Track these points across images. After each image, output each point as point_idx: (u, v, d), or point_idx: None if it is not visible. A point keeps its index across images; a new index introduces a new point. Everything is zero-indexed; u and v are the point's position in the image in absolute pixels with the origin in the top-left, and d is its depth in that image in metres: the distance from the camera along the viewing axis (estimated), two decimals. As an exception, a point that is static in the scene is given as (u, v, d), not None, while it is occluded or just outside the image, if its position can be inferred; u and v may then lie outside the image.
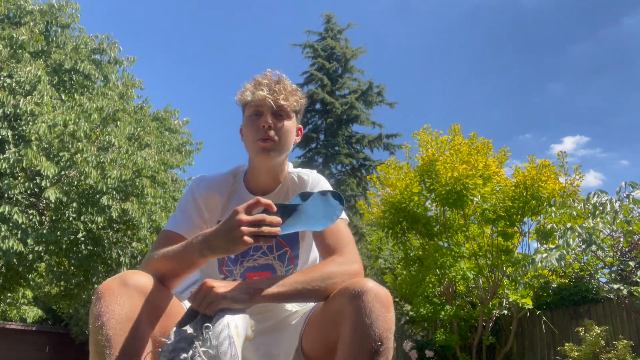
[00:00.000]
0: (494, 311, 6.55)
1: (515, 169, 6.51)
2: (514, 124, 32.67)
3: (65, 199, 7.46)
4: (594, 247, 4.20)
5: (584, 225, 4.32)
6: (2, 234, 6.96)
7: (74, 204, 7.58)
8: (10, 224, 7.13)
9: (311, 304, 1.38)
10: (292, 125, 1.40)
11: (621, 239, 5.81)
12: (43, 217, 7.97)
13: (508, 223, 6.47)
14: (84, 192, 7.71)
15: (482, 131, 31.55)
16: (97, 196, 7.61)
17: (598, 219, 4.25)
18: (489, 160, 6.54)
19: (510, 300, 6.33)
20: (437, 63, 32.02)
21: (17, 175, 7.47)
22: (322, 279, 1.16)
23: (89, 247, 8.55)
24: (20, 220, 7.13)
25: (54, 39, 8.67)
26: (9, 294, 11.55)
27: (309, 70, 19.87)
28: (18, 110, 7.22)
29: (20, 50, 7.81)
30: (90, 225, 8.19)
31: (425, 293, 6.98)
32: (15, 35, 7.76)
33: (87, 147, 7.41)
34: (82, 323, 15.85)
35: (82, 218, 8.00)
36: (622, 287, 4.57)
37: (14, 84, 7.49)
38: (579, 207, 4.45)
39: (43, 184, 7.23)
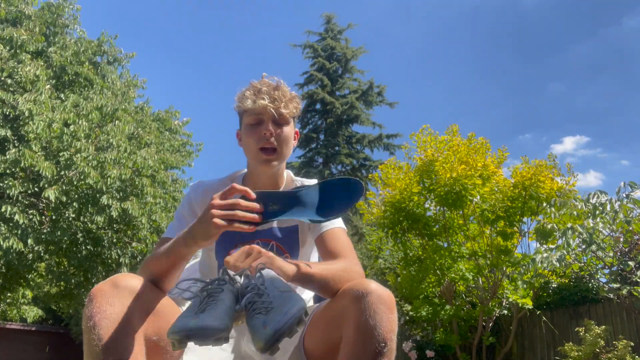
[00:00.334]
0: (494, 311, 6.55)
1: (514, 170, 6.52)
2: (514, 124, 32.69)
3: (65, 198, 7.46)
4: (594, 247, 4.20)
5: (584, 225, 4.31)
6: (3, 233, 6.96)
7: (74, 204, 7.58)
8: (11, 224, 7.13)
9: (313, 304, 1.39)
10: (290, 131, 1.43)
11: (621, 239, 5.82)
12: (43, 217, 7.97)
13: (507, 223, 6.47)
14: (83, 191, 7.71)
15: (482, 131, 31.54)
16: (97, 196, 7.62)
17: (598, 219, 4.25)
18: (487, 161, 6.56)
19: (510, 300, 6.33)
20: (438, 63, 32.04)
21: (17, 176, 7.47)
22: (345, 272, 1.21)
23: (88, 247, 8.56)
24: (20, 220, 7.13)
25: (54, 39, 8.67)
26: (9, 294, 11.56)
27: (309, 70, 19.87)
28: (17, 111, 7.23)
29: (19, 51, 7.81)
30: (90, 225, 8.19)
31: (425, 293, 6.99)
32: (15, 36, 7.76)
33: (86, 147, 7.41)
34: (82, 323, 15.84)
35: (82, 218, 8.00)
36: (622, 287, 4.57)
37: (14, 84, 7.50)
38: (579, 207, 4.45)
39: (42, 184, 7.24)
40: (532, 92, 30.28)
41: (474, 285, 6.73)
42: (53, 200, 7.22)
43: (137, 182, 8.01)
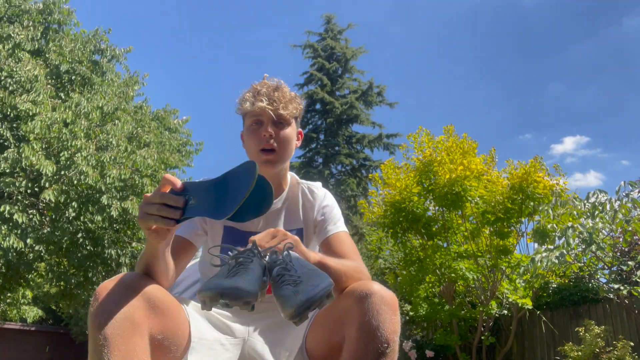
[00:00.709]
0: (493, 311, 6.56)
1: (509, 171, 6.57)
2: (515, 124, 32.69)
3: (64, 198, 7.45)
4: (593, 247, 4.21)
5: (582, 224, 4.32)
6: (3, 233, 6.96)
7: (74, 204, 7.58)
8: (11, 224, 7.13)
9: None
10: (292, 132, 1.43)
11: (620, 239, 5.83)
12: (43, 217, 7.97)
13: (505, 224, 6.51)
14: (83, 191, 7.71)
15: (482, 131, 31.55)
16: (97, 195, 7.62)
17: (597, 219, 4.25)
18: (475, 160, 6.65)
19: (510, 300, 6.34)
20: (437, 63, 32.04)
21: (17, 175, 7.47)
22: (355, 272, 1.22)
23: (88, 247, 8.55)
24: (20, 220, 7.13)
25: (51, 36, 8.68)
26: (9, 294, 11.54)
27: (309, 70, 19.87)
28: (17, 111, 7.23)
29: (17, 50, 7.81)
30: (90, 225, 8.19)
31: (425, 293, 7.00)
32: (12, 34, 7.76)
33: (86, 146, 7.42)
34: (82, 323, 15.84)
35: (82, 218, 8.00)
36: (621, 287, 4.58)
37: (14, 84, 7.50)
38: (579, 207, 4.45)
39: (42, 184, 7.24)
40: (532, 92, 30.30)
41: (473, 285, 6.74)
42: (53, 200, 7.23)
43: (137, 182, 8.01)
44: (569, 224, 4.35)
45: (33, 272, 9.17)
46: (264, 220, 1.44)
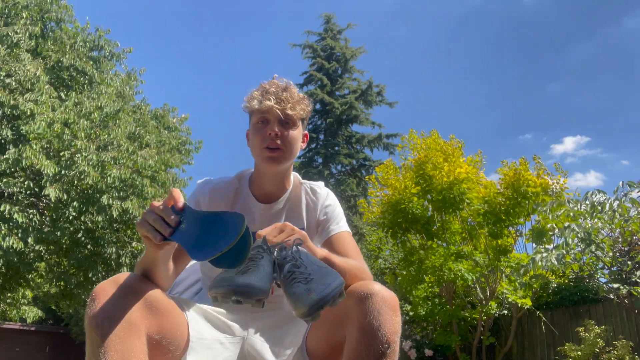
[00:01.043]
0: (493, 311, 6.56)
1: (503, 172, 6.62)
2: (515, 124, 32.66)
3: (65, 197, 7.45)
4: (593, 247, 4.20)
5: (581, 224, 4.32)
6: (3, 232, 6.97)
7: (75, 203, 7.58)
8: (11, 224, 7.13)
9: None
10: (298, 133, 1.43)
11: (620, 239, 5.83)
12: (43, 217, 7.97)
13: (504, 224, 6.53)
14: (84, 191, 7.71)
15: (482, 131, 31.54)
16: (97, 195, 7.62)
17: (596, 219, 4.25)
18: (460, 161, 6.72)
19: (510, 300, 6.34)
20: (437, 63, 32.03)
21: (17, 175, 7.47)
22: (357, 271, 1.23)
23: (89, 247, 8.55)
24: (20, 220, 7.13)
25: (50, 35, 8.68)
26: (9, 294, 11.54)
27: (309, 70, 19.87)
28: (17, 111, 7.23)
29: (16, 49, 7.81)
30: (90, 224, 8.19)
31: (425, 293, 7.00)
32: (10, 34, 7.76)
33: (87, 146, 7.42)
34: (82, 323, 15.76)
35: (82, 217, 8.00)
36: (621, 287, 4.58)
37: (13, 83, 7.50)
38: (577, 208, 4.45)
39: (43, 183, 7.24)
40: (532, 92, 30.29)
41: (473, 286, 6.74)
42: (53, 199, 7.22)
43: (137, 182, 8.01)
44: (566, 224, 4.35)
45: (33, 272, 9.16)
46: (266, 221, 1.44)
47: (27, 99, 7.27)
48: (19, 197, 7.61)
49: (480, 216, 6.62)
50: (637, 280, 4.94)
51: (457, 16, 31.12)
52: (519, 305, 6.30)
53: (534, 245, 5.48)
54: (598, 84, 30.29)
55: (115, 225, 8.60)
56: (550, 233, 4.64)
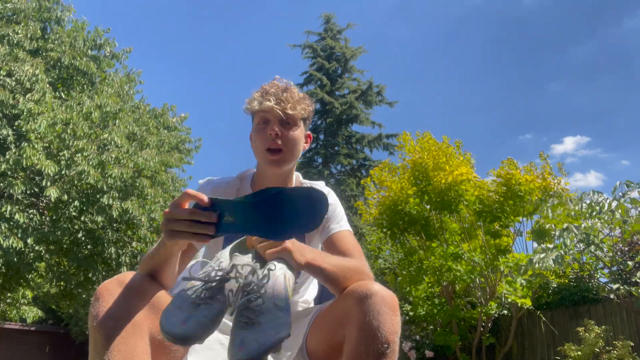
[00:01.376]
0: (493, 312, 6.56)
1: (495, 174, 6.66)
2: (515, 124, 32.64)
3: (65, 197, 7.45)
4: (592, 248, 4.21)
5: (582, 225, 4.32)
6: (3, 232, 6.96)
7: (75, 203, 7.58)
8: (11, 223, 7.13)
9: (315, 306, 1.40)
10: (299, 133, 1.43)
11: (620, 239, 5.83)
12: (43, 217, 7.97)
13: (500, 224, 6.55)
14: (84, 191, 7.71)
15: (482, 131, 31.55)
16: (98, 195, 7.62)
17: (596, 220, 4.26)
18: (457, 162, 6.75)
19: (510, 300, 6.34)
20: (437, 63, 32.03)
21: (17, 175, 7.47)
22: (356, 271, 1.22)
23: (89, 247, 8.55)
24: (20, 220, 7.13)
25: (51, 36, 8.68)
26: (9, 294, 11.54)
27: (309, 70, 19.86)
28: (17, 110, 7.23)
29: (17, 49, 7.81)
30: (90, 224, 8.19)
31: (425, 294, 7.01)
32: (11, 34, 7.76)
33: (87, 146, 7.42)
34: (82, 323, 15.83)
35: (82, 217, 8.00)
36: (621, 287, 4.58)
37: (13, 83, 7.50)
38: (576, 208, 4.46)
39: (44, 183, 7.24)
40: (532, 92, 30.29)
41: (472, 286, 6.75)
42: (53, 200, 7.22)
43: (137, 183, 8.01)
44: (564, 225, 4.35)
45: (33, 272, 9.16)
46: None
47: (28, 98, 7.27)
48: (19, 197, 7.61)
49: (476, 214, 6.64)
50: (637, 280, 4.94)
51: (457, 16, 31.13)
52: (519, 305, 6.30)
53: (535, 244, 5.49)
54: (598, 84, 30.30)
55: (115, 225, 8.61)
56: (553, 232, 4.64)
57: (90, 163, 7.35)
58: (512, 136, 32.37)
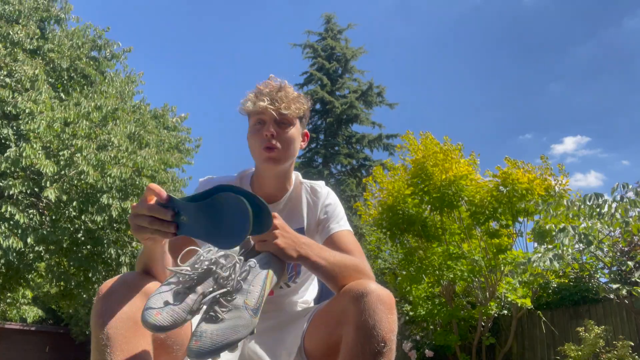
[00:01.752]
0: (493, 311, 6.56)
1: (493, 174, 6.66)
2: (515, 124, 32.64)
3: (65, 197, 7.46)
4: (592, 248, 4.21)
5: (582, 225, 4.33)
6: (3, 232, 6.96)
7: (75, 203, 7.58)
8: (11, 222, 7.13)
9: (313, 305, 1.39)
10: (296, 132, 1.42)
11: (620, 239, 5.83)
12: (43, 217, 7.97)
13: (497, 222, 6.56)
14: (83, 191, 7.71)
15: (482, 131, 31.54)
16: (98, 195, 7.62)
17: (596, 220, 4.26)
18: (461, 161, 6.74)
19: (509, 300, 6.35)
20: (438, 63, 32.03)
21: (17, 175, 7.47)
22: (354, 269, 1.21)
23: (88, 247, 8.55)
24: (20, 220, 7.13)
25: (50, 36, 8.68)
26: (9, 294, 11.55)
27: (309, 70, 19.86)
28: (17, 110, 7.23)
29: (17, 49, 7.81)
30: (90, 224, 8.19)
31: (425, 294, 7.01)
32: (11, 33, 7.77)
33: (87, 146, 7.42)
34: (82, 323, 15.84)
35: (82, 217, 8.00)
36: (621, 287, 4.58)
37: (13, 83, 7.50)
38: (574, 209, 4.46)
39: (43, 183, 7.24)
40: (533, 92, 30.29)
41: (472, 286, 6.75)
42: (53, 200, 7.23)
43: (137, 182, 8.01)
44: (561, 226, 4.36)
45: (33, 272, 9.17)
46: None
47: (27, 98, 7.27)
48: (19, 197, 7.61)
49: (470, 216, 6.65)
50: (637, 280, 4.94)
51: (457, 17, 31.13)
52: (519, 305, 6.31)
53: (535, 245, 5.49)
54: (598, 84, 30.30)
55: (115, 225, 8.61)
56: (553, 233, 4.64)
57: (90, 163, 7.35)
58: (512, 136, 32.40)
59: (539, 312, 7.06)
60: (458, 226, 6.99)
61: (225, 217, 1.00)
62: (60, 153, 7.36)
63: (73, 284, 8.96)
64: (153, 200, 1.02)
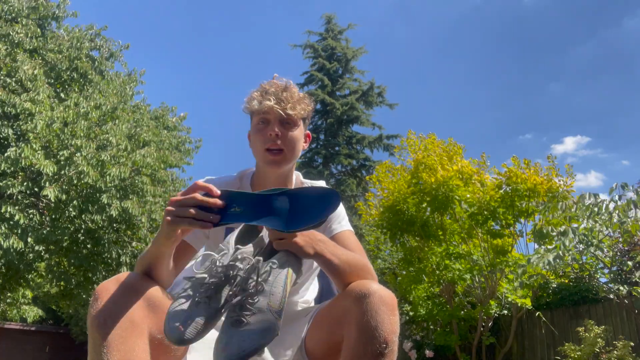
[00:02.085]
0: (493, 311, 6.56)
1: (498, 173, 6.64)
2: (515, 125, 32.65)
3: (64, 197, 7.45)
4: (592, 248, 4.21)
5: (582, 226, 4.32)
6: (3, 232, 6.96)
7: (74, 203, 7.58)
8: (11, 222, 7.13)
9: (315, 305, 1.39)
10: (299, 133, 1.42)
11: (620, 239, 5.83)
12: (43, 217, 7.97)
13: (497, 223, 6.55)
14: (83, 190, 7.71)
15: (482, 131, 31.54)
16: (97, 195, 7.62)
17: (596, 220, 4.26)
18: (464, 162, 6.71)
19: (509, 300, 6.34)
20: (438, 64, 32.03)
21: (17, 175, 7.47)
22: (362, 269, 1.21)
23: (88, 247, 8.55)
24: (20, 220, 7.13)
25: (49, 35, 8.68)
26: (9, 294, 11.55)
27: (309, 70, 19.86)
28: (17, 110, 7.23)
29: (17, 49, 7.81)
30: (90, 224, 8.19)
31: (425, 294, 7.01)
32: (11, 33, 7.77)
33: (86, 145, 7.42)
34: (82, 323, 15.83)
35: (82, 217, 8.00)
36: (621, 287, 4.58)
37: (13, 83, 7.50)
38: (573, 210, 4.46)
39: (43, 183, 7.24)
40: (533, 92, 30.30)
41: (472, 286, 6.75)
42: (53, 200, 7.22)
43: (137, 181, 8.01)
44: (561, 228, 4.36)
45: (33, 272, 9.17)
46: None
47: (25, 98, 7.27)
48: (19, 197, 7.61)
49: (469, 217, 6.65)
50: (637, 280, 4.94)
51: (457, 17, 31.13)
52: (519, 305, 6.30)
53: (536, 245, 5.49)
54: (598, 84, 30.31)
55: (115, 225, 8.61)
56: (553, 233, 4.64)
57: (90, 163, 7.35)
58: (512, 136, 32.40)
59: (538, 312, 7.06)
60: (458, 226, 6.99)
61: (297, 206, 1.06)
62: (60, 153, 7.36)
63: (73, 283, 8.96)
64: (195, 193, 1.06)
